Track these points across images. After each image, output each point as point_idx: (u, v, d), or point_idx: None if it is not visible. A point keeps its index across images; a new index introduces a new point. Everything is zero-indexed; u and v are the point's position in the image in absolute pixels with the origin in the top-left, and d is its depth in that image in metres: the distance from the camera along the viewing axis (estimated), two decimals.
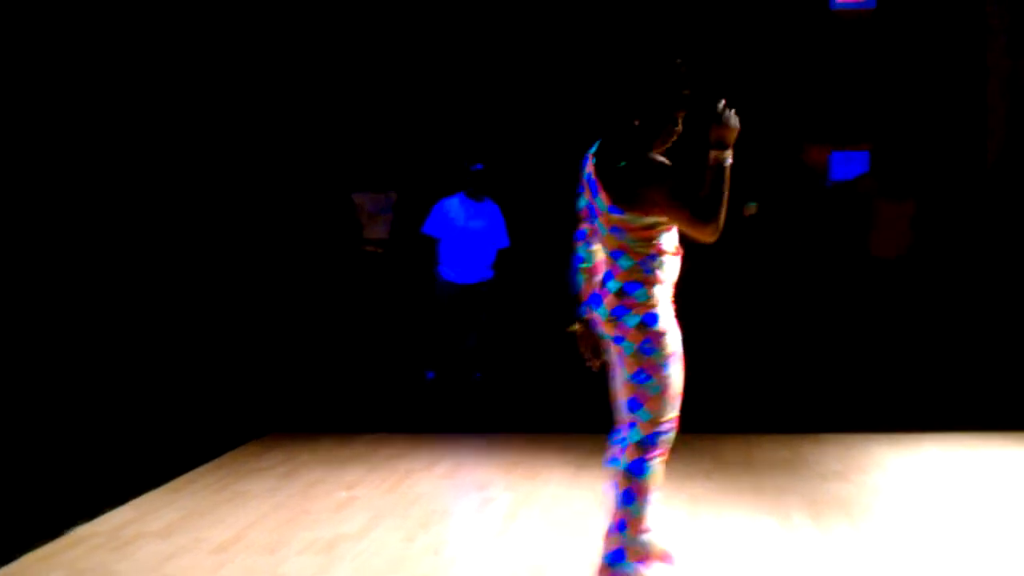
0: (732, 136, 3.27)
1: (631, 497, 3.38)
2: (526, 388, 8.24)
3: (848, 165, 9.71)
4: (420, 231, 8.16)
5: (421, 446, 6.22)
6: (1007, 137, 8.95)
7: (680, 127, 3.40)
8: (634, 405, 3.38)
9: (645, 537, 3.41)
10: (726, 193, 3.23)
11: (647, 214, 3.28)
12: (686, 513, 4.68)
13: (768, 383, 8.06)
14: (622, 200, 3.28)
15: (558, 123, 9.53)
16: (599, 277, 3.49)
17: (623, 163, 3.29)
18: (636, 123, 3.37)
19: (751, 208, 8.38)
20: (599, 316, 3.42)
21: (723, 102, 3.29)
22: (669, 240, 3.38)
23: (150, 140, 8.99)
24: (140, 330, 8.58)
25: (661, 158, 3.32)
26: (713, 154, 3.25)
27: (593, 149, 3.47)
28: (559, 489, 5.15)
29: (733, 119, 3.27)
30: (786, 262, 9.11)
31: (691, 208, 3.22)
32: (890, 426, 6.41)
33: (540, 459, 5.78)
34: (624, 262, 3.35)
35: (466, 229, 8.00)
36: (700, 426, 6.50)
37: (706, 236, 3.26)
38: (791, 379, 8.15)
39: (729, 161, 3.26)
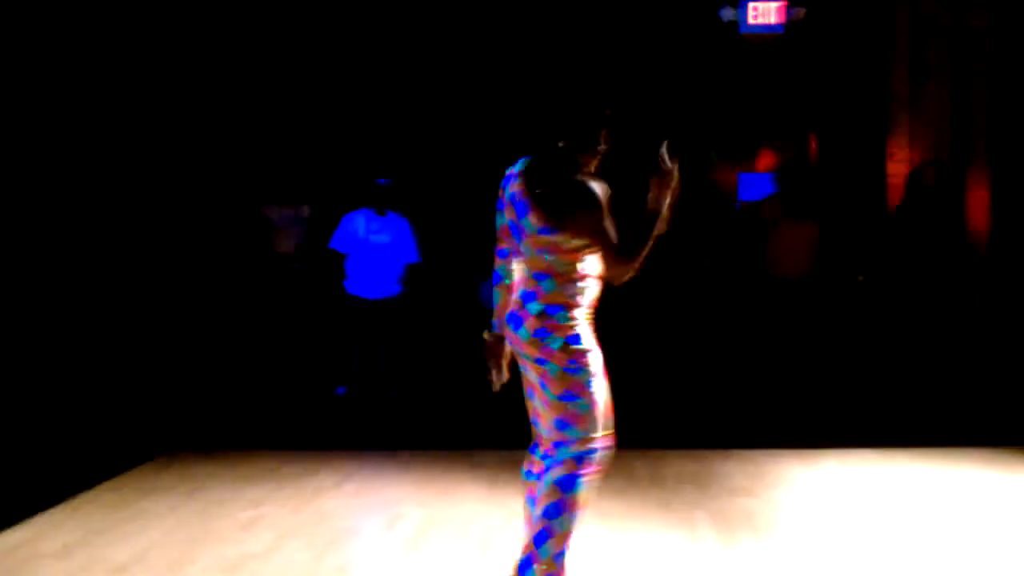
0: (672, 188, 3.31)
1: (558, 510, 3.33)
2: (438, 404, 8.19)
3: (755, 186, 9.91)
4: (328, 246, 8.11)
5: (330, 463, 6.12)
6: (909, 162, 9.23)
7: (605, 146, 3.42)
8: (563, 425, 3.37)
9: (564, 554, 3.38)
10: (652, 241, 3.28)
11: (576, 237, 3.30)
12: (595, 529, 4.69)
13: (678, 399, 8.16)
14: (553, 221, 3.29)
15: (470, 138, 9.58)
16: (517, 296, 3.48)
17: (545, 187, 3.29)
18: (562, 143, 3.38)
19: None
20: (520, 337, 3.41)
21: (664, 148, 3.32)
22: (593, 264, 3.40)
23: (49, 151, 8.75)
24: (38, 344, 8.33)
25: (596, 182, 3.31)
26: (652, 203, 3.29)
27: (517, 167, 3.47)
28: (471, 507, 5.12)
29: (674, 170, 3.30)
30: (694, 281, 9.25)
31: (616, 243, 3.26)
32: (796, 442, 6.52)
33: (452, 476, 5.75)
34: (548, 284, 3.36)
35: (371, 244, 7.98)
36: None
37: (619, 274, 3.31)
38: (700, 395, 8.26)
39: (665, 211, 3.29)
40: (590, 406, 3.35)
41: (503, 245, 3.58)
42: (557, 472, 3.35)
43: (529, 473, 3.53)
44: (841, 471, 5.79)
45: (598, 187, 3.28)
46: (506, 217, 3.48)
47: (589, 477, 3.36)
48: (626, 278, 3.33)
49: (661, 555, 4.34)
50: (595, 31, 9.72)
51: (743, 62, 9.83)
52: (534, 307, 3.38)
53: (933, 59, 9.42)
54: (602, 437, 3.39)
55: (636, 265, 3.29)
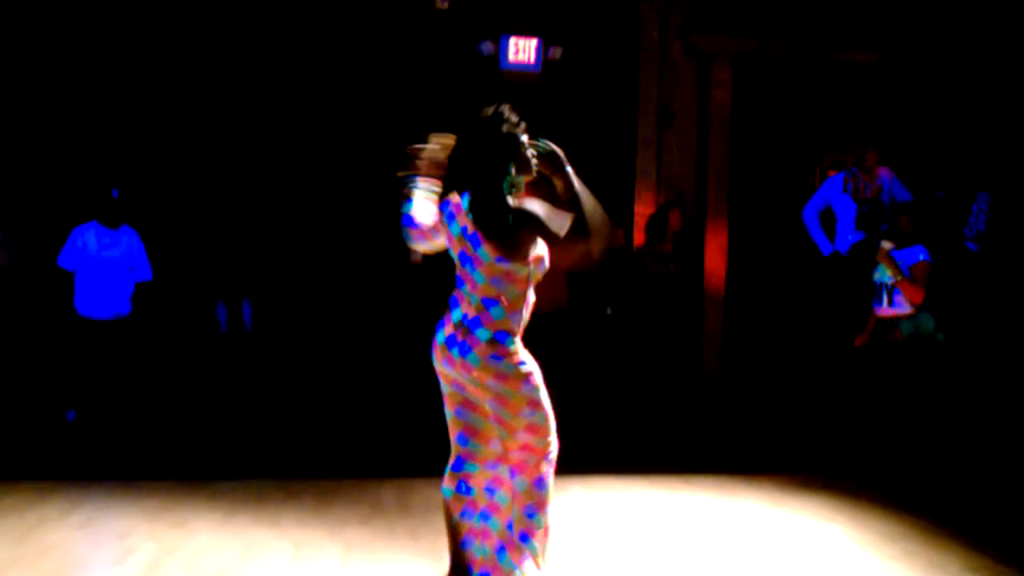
0: (558, 158, 3.63)
1: (535, 510, 3.68)
2: (172, 431, 7.79)
3: None
4: (56, 263, 7.58)
5: (55, 493, 5.70)
6: (655, 203, 9.65)
7: (529, 173, 3.69)
8: (529, 435, 3.65)
9: (545, 543, 3.71)
10: (591, 202, 3.57)
11: (527, 258, 3.59)
12: (339, 560, 4.59)
13: (426, 426, 8.12)
14: (507, 250, 3.56)
15: (204, 147, 9.31)
16: (456, 321, 3.67)
17: (491, 221, 3.57)
18: (488, 180, 3.62)
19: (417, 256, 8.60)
20: (468, 362, 3.60)
21: (525, 139, 3.70)
22: (532, 294, 3.73)
23: None
24: None
25: (527, 200, 3.60)
26: (556, 180, 3.60)
27: (463, 203, 3.68)
28: (206, 539, 4.89)
29: (549, 145, 3.65)
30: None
31: (570, 229, 3.50)
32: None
33: (187, 507, 5.47)
34: (496, 311, 3.61)
35: (100, 259, 7.52)
36: (357, 471, 6.48)
37: (597, 247, 3.57)
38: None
39: (572, 175, 3.60)
40: (545, 416, 3.67)
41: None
42: (529, 476, 3.67)
43: (460, 487, 3.79)
44: (586, 497, 5.91)
45: (529, 204, 3.57)
46: (455, 248, 3.72)
47: (551, 476, 3.73)
48: (602, 243, 3.59)
49: None
50: (354, 58, 9.68)
51: (502, 98, 9.99)
52: (483, 334, 3.60)
53: (678, 106, 9.92)
54: (555, 441, 3.73)
55: (600, 229, 3.56)
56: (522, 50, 9.75)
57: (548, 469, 3.71)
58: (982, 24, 9.42)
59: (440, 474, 6.34)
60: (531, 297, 3.72)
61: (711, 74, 9.87)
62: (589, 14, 10.01)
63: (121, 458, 6.91)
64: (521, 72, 9.81)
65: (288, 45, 9.57)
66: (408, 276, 9.09)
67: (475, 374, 3.60)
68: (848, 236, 8.40)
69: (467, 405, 3.75)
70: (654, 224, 9.03)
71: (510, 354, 3.60)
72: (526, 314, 3.72)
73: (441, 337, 3.69)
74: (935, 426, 6.83)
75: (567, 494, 5.98)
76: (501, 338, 3.60)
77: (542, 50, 9.73)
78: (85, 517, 5.27)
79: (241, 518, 5.26)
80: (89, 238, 7.55)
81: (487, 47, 9.73)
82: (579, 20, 9.98)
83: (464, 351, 3.61)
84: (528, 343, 3.62)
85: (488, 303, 3.62)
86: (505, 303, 3.62)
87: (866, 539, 5.22)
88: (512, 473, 3.70)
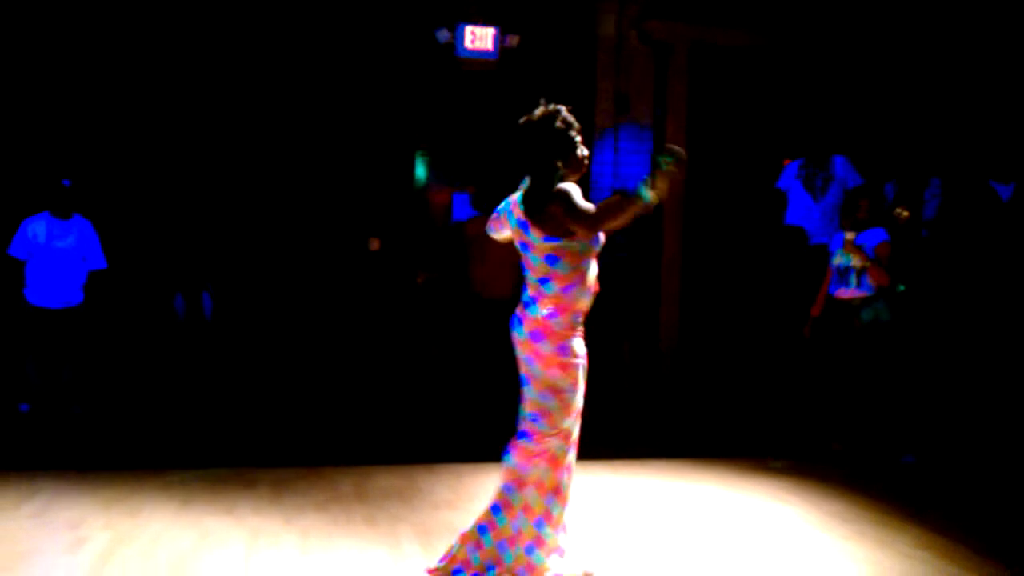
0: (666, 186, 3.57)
1: (511, 489, 3.90)
2: (127, 420, 7.73)
3: (467, 207, 10.07)
4: (6, 253, 7.51)
5: (7, 483, 5.62)
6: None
7: (578, 171, 3.93)
8: (535, 418, 3.84)
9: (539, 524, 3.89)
10: (624, 216, 3.59)
11: (564, 234, 3.74)
12: (296, 548, 4.57)
13: (383, 414, 8.13)
14: (548, 227, 3.75)
15: (159, 135, 9.22)
16: (521, 300, 3.90)
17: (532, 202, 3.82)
18: (539, 173, 3.85)
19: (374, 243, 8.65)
20: (517, 336, 3.85)
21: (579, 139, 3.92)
22: (591, 270, 3.88)
23: None
24: None
25: (566, 185, 3.76)
26: (644, 189, 3.53)
27: (517, 196, 3.93)
28: (160, 527, 4.85)
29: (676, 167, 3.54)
30: (409, 298, 9.27)
31: (584, 214, 3.64)
32: (499, 456, 6.62)
33: (141, 496, 5.42)
34: (549, 287, 3.79)
35: (52, 249, 7.46)
36: (314, 459, 6.47)
37: (585, 234, 3.76)
38: (406, 410, 8.28)
39: (649, 201, 3.54)
40: (560, 408, 3.81)
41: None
42: (515, 457, 3.88)
43: (505, 452, 3.96)
44: None
45: (566, 186, 3.75)
46: (515, 240, 3.96)
47: (542, 463, 3.87)
48: (595, 230, 3.74)
49: (365, 570, 4.28)
50: (310, 47, 9.61)
51: (459, 86, 9.96)
52: (535, 310, 3.81)
53: (635, 94, 9.95)
54: (559, 432, 3.85)
55: (602, 226, 3.69)
56: (479, 38, 9.72)
57: (537, 459, 3.86)
58: (938, 17, 9.52)
59: (396, 463, 6.42)
60: (591, 273, 3.87)
61: (668, 63, 9.92)
62: (546, 2, 10.01)
63: (74, 448, 6.85)
64: (478, 60, 9.79)
65: (242, 34, 9.48)
66: (366, 264, 9.08)
67: (520, 347, 3.84)
68: (806, 224, 8.47)
69: (526, 381, 3.90)
70: None
71: (554, 335, 3.77)
72: (586, 293, 3.85)
73: (512, 316, 3.92)
74: (888, 407, 6.94)
75: None
76: (551, 317, 3.77)
77: (499, 38, 9.72)
78: (38, 507, 5.21)
79: (197, 507, 5.23)
80: (39, 228, 7.51)
81: (444, 35, 9.70)
82: (536, 8, 9.96)
83: (515, 324, 3.87)
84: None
85: (542, 281, 3.81)
86: (557, 279, 3.77)
87: (819, 520, 5.29)
88: (507, 451, 3.92)
